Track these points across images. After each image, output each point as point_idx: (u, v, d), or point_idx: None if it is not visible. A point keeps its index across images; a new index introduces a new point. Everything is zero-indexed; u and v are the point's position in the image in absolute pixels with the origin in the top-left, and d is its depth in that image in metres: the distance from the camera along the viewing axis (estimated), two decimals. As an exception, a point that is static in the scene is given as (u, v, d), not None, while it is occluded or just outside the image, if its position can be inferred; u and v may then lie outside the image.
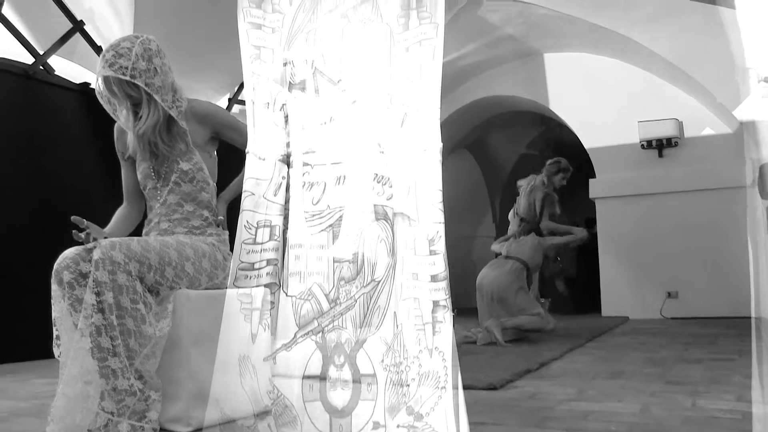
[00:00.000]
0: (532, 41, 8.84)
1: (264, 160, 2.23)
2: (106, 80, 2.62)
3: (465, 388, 3.34)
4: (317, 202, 2.19)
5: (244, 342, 2.20)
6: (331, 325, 2.12)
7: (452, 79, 9.26)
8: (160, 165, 2.78)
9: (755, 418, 2.50)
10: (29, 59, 5.59)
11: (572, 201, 10.51)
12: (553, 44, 9.00)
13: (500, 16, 7.97)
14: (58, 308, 2.41)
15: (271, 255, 2.22)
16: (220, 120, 2.87)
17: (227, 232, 2.87)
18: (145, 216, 2.94)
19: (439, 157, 1.95)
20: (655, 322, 7.97)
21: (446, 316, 1.90)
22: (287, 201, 2.23)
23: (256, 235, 2.20)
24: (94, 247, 2.35)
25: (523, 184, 6.75)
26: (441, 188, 1.93)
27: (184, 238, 2.67)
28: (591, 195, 9.21)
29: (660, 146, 8.64)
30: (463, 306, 8.22)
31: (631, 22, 7.50)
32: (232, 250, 2.76)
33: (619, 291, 8.84)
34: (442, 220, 1.92)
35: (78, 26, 5.97)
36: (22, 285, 4.99)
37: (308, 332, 2.14)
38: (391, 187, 2.07)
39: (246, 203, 2.19)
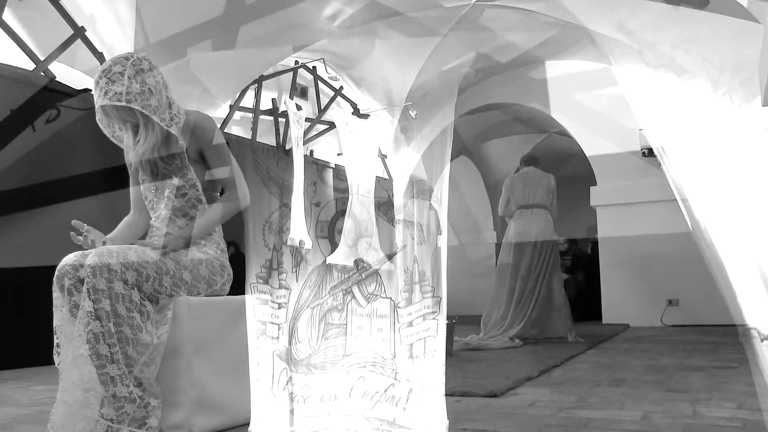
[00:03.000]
0: (533, 49, 8.84)
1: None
2: (103, 107, 2.60)
3: (465, 395, 3.35)
4: None
5: None
6: None
7: (453, 86, 9.26)
8: (160, 181, 2.77)
9: None
10: (30, 65, 5.60)
11: (573, 209, 10.52)
12: (554, 52, 9.00)
13: (502, 24, 7.97)
14: (59, 316, 2.41)
15: None
16: (207, 136, 2.77)
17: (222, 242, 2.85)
18: None
19: None
20: (655, 329, 7.97)
21: None
22: None
23: None
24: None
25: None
26: None
27: (181, 246, 2.66)
28: (592, 203, 9.21)
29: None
30: (464, 314, 8.21)
31: (632, 30, 7.49)
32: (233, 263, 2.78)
33: (619, 298, 8.83)
34: None
35: (79, 32, 5.97)
36: (24, 291, 4.98)
37: None
38: None
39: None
